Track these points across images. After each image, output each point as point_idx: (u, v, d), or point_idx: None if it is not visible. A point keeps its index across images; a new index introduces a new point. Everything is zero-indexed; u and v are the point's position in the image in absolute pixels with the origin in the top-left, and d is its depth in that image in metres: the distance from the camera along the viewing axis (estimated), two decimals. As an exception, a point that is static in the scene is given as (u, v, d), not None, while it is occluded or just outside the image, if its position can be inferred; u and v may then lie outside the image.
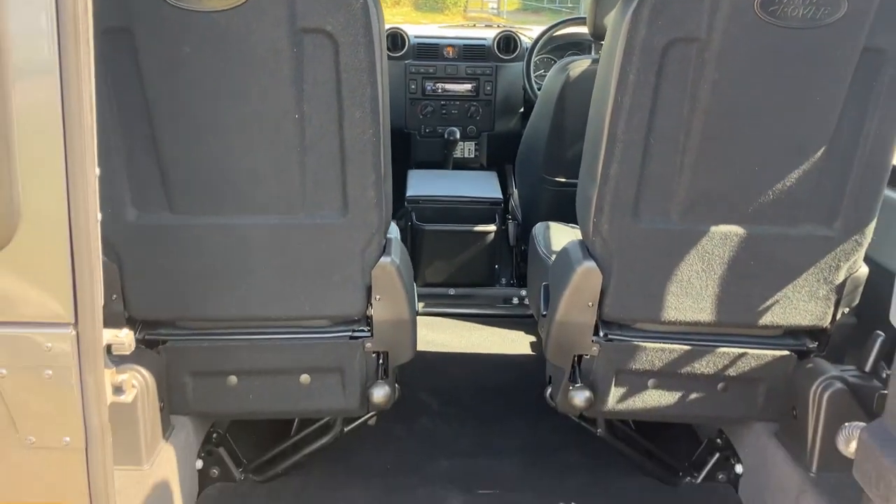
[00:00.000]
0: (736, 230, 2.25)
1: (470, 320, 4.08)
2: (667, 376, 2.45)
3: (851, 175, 2.19)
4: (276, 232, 2.23)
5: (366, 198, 2.18)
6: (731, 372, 2.43)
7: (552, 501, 2.62)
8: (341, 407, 2.48)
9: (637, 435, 2.80)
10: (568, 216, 2.93)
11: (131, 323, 2.35)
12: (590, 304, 2.35)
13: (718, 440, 2.76)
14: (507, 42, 4.84)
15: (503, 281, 4.31)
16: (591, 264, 2.31)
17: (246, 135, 2.10)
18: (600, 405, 2.48)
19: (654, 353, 2.41)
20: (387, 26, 3.94)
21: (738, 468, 2.66)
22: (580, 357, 2.47)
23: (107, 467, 1.70)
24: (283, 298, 2.30)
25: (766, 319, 2.35)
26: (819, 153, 2.15)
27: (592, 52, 4.52)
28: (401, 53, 4.79)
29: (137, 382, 2.19)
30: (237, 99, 2.05)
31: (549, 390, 2.68)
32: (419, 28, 5.44)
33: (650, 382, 2.47)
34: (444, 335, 3.89)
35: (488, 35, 4.92)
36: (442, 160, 4.84)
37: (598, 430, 2.70)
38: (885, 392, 1.65)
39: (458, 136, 4.68)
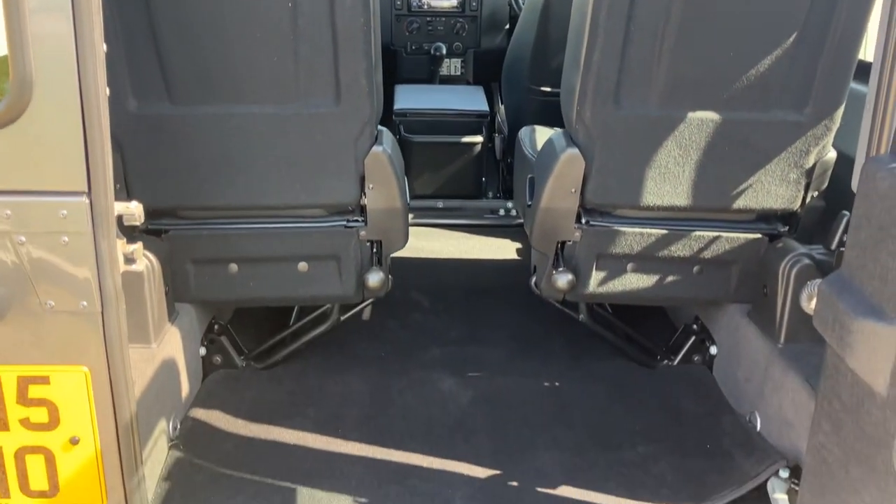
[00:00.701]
0: (712, 116, 2.36)
1: (459, 230, 4.20)
2: (645, 260, 2.59)
3: (821, 62, 2.29)
4: (271, 122, 2.32)
5: (358, 86, 2.27)
6: (706, 255, 2.57)
7: (536, 383, 2.78)
8: (338, 293, 2.61)
9: (617, 320, 2.95)
10: (553, 125, 3.03)
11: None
12: (573, 190, 2.47)
13: (694, 325, 2.91)
14: (493, -44, 4.85)
15: (490, 194, 4.42)
16: (574, 151, 2.42)
17: (240, 24, 2.17)
18: (582, 289, 2.62)
19: (633, 237, 2.54)
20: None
21: (713, 350, 2.82)
22: (563, 244, 2.60)
23: (122, 331, 1.83)
24: (280, 188, 2.40)
25: (739, 203, 2.48)
26: (790, 40, 2.25)
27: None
28: None
29: (145, 266, 2.30)
30: None
31: (533, 279, 2.82)
32: None
33: (629, 266, 2.61)
34: (434, 243, 4.02)
35: None
36: (429, 77, 4.89)
37: (581, 316, 2.85)
38: (844, 249, 1.78)
39: (444, 51, 4.72)
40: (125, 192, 2.36)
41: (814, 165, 2.45)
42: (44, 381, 1.82)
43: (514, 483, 2.29)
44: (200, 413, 2.53)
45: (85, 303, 1.78)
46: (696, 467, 2.35)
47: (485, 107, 4.25)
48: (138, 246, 1.83)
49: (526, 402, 2.67)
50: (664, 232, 2.54)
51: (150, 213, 2.49)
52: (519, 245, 4.01)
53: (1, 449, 1.85)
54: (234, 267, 2.54)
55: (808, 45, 2.27)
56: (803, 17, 2.23)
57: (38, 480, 1.88)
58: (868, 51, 2.52)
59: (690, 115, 2.36)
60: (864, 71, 2.44)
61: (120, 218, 1.82)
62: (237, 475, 2.28)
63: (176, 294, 2.54)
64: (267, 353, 2.84)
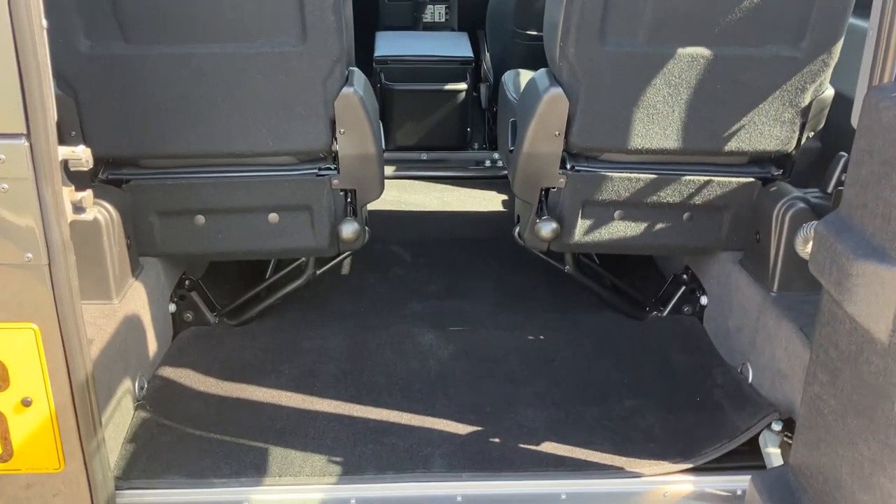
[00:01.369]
0: (703, 52, 2.22)
1: (442, 182, 4.07)
2: (633, 206, 2.47)
3: None
4: (234, 62, 2.17)
5: (325, 22, 2.13)
6: (697, 200, 2.46)
7: (520, 336, 2.68)
8: (311, 245, 2.49)
9: (604, 271, 2.85)
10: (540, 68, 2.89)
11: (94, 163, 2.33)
12: (556, 133, 2.34)
13: (684, 276, 2.81)
14: None
15: (475, 145, 4.27)
16: (557, 90, 2.28)
17: None
18: (567, 238, 2.50)
19: (621, 183, 2.42)
20: None
21: (703, 300, 2.72)
22: (547, 191, 2.48)
23: (72, 285, 1.71)
24: (245, 133, 2.27)
25: (731, 145, 2.35)
26: None
27: None
28: None
29: (102, 216, 2.17)
30: None
31: (516, 229, 2.70)
32: None
33: (616, 214, 2.49)
34: (416, 196, 3.89)
35: None
36: (411, 24, 4.71)
37: (566, 267, 2.74)
38: (842, 188, 1.67)
39: None
40: (81, 138, 2.22)
41: (810, 104, 2.32)
42: (-11, 338, 1.70)
43: (497, 440, 2.19)
44: (169, 372, 2.42)
45: (30, 255, 1.66)
46: (685, 421, 2.26)
47: (469, 53, 4.09)
48: (87, 193, 1.70)
49: (509, 356, 2.57)
50: (653, 177, 2.42)
51: (109, 163, 2.36)
52: (505, 197, 3.88)
53: (-54, 411, 1.75)
54: (200, 219, 2.41)
55: None
56: None
57: (-11, 444, 1.78)
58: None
59: (680, 51, 2.22)
60: (862, 5, 2.30)
61: (66, 163, 1.69)
62: (207, 436, 2.18)
63: (140, 248, 2.42)
64: (241, 309, 2.73)
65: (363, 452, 2.13)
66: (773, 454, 2.09)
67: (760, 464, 2.09)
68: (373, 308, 2.86)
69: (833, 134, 2.40)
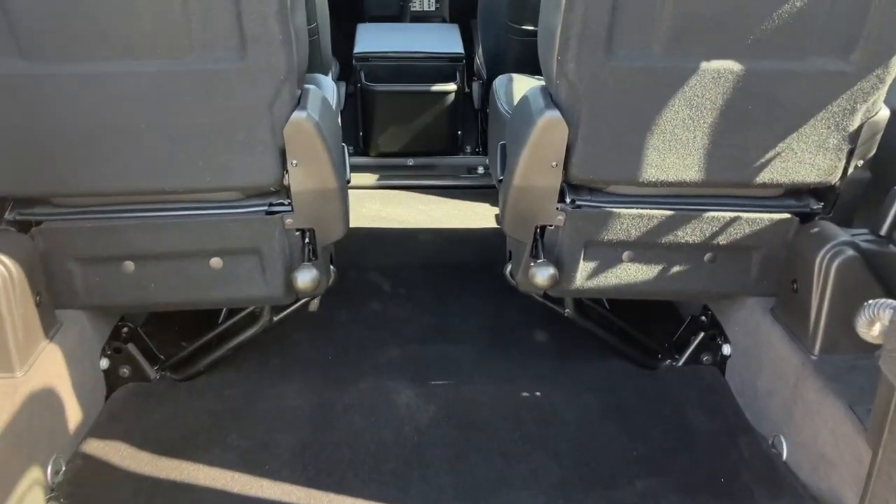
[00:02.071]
0: (731, 66, 1.82)
1: (430, 193, 3.66)
2: (645, 247, 2.09)
3: None
4: (158, 82, 1.77)
5: (267, 33, 1.72)
6: (721, 240, 2.07)
7: (512, 392, 2.30)
8: (262, 295, 2.11)
9: (610, 314, 2.46)
10: (537, 69, 2.49)
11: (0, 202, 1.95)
12: (553, 164, 1.95)
13: (703, 318, 2.42)
14: None
15: (468, 149, 3.86)
16: (554, 114, 1.88)
17: None
18: (567, 283, 2.12)
19: (630, 220, 2.03)
20: None
21: (726, 349, 2.33)
22: (543, 228, 2.09)
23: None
24: (176, 166, 1.87)
25: (764, 177, 1.96)
26: None
27: None
28: None
29: (-2, 273, 1.79)
30: None
31: (508, 268, 2.31)
32: None
33: (625, 255, 2.11)
34: (399, 209, 3.49)
35: None
36: (398, 14, 4.29)
37: (566, 311, 2.35)
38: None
39: None
40: None
41: (860, 127, 1.92)
42: None
43: None
44: (95, 447, 2.05)
45: None
46: (707, 509, 1.89)
47: (459, 48, 3.67)
48: None
49: (499, 420, 2.19)
50: (669, 213, 2.03)
51: (18, 202, 1.97)
52: (499, 210, 3.48)
53: None
54: (129, 265, 2.03)
55: None
56: None
57: None
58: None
59: (704, 65, 1.82)
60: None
61: None
62: None
63: (57, 300, 2.03)
64: (188, 361, 2.35)
65: (319, 555, 1.76)
66: (817, 562, 1.72)
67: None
68: (343, 356, 2.47)
69: (886, 161, 2.01)
